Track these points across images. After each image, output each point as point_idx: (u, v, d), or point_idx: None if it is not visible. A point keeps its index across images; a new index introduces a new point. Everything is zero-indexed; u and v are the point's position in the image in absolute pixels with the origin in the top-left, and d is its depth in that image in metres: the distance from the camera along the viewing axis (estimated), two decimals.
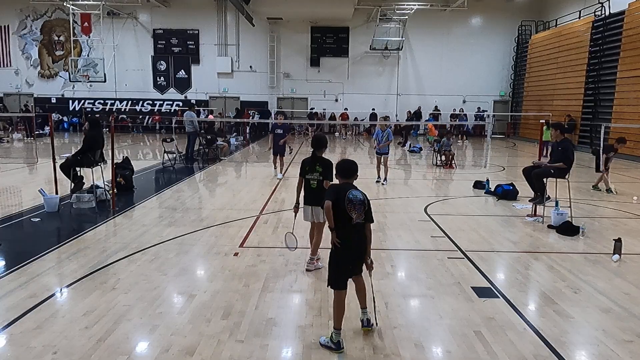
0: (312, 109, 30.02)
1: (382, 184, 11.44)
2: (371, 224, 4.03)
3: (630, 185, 11.79)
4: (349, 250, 3.94)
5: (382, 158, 11.65)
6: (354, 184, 4.13)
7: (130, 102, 30.35)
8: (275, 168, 12.63)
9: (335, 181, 4.32)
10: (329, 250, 4.01)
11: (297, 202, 5.54)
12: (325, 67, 30.00)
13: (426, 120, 26.17)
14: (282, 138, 12.11)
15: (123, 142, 21.45)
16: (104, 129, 12.43)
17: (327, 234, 5.79)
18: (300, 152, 18.87)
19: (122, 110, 30.02)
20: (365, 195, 4.00)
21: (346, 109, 29.46)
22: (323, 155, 5.52)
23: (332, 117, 29.49)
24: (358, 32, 29.47)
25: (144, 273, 5.37)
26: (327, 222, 4.02)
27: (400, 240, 6.87)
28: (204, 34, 29.74)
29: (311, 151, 5.52)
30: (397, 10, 27.36)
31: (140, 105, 30.36)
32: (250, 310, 4.45)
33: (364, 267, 4.07)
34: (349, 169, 4.13)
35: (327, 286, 4.06)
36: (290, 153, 17.39)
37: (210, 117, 22.71)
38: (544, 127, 17.49)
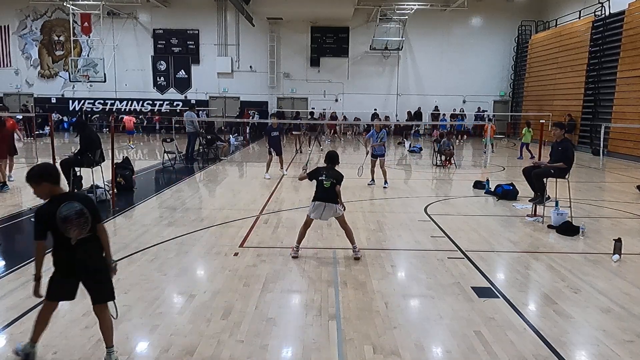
0: (313, 108, 30.05)
1: (384, 187, 10.96)
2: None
3: (629, 185, 11.76)
4: None
5: (378, 160, 11.03)
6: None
7: (130, 102, 30.34)
8: (267, 171, 12.26)
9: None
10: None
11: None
12: (325, 67, 29.98)
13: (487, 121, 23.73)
14: (278, 140, 12.57)
15: (123, 142, 21.43)
16: (104, 129, 12.40)
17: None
18: (305, 152, 18.85)
19: (122, 110, 30.00)
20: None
21: (334, 112, 29.51)
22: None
23: (332, 117, 29.46)
24: (358, 32, 29.45)
25: (144, 273, 5.37)
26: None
27: (400, 240, 6.86)
28: (204, 34, 29.73)
29: (325, 165, 6.09)
30: (397, 10, 27.36)
31: (140, 105, 30.36)
32: (250, 310, 4.45)
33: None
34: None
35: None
36: (300, 152, 17.76)
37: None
38: (524, 129, 17.50)
